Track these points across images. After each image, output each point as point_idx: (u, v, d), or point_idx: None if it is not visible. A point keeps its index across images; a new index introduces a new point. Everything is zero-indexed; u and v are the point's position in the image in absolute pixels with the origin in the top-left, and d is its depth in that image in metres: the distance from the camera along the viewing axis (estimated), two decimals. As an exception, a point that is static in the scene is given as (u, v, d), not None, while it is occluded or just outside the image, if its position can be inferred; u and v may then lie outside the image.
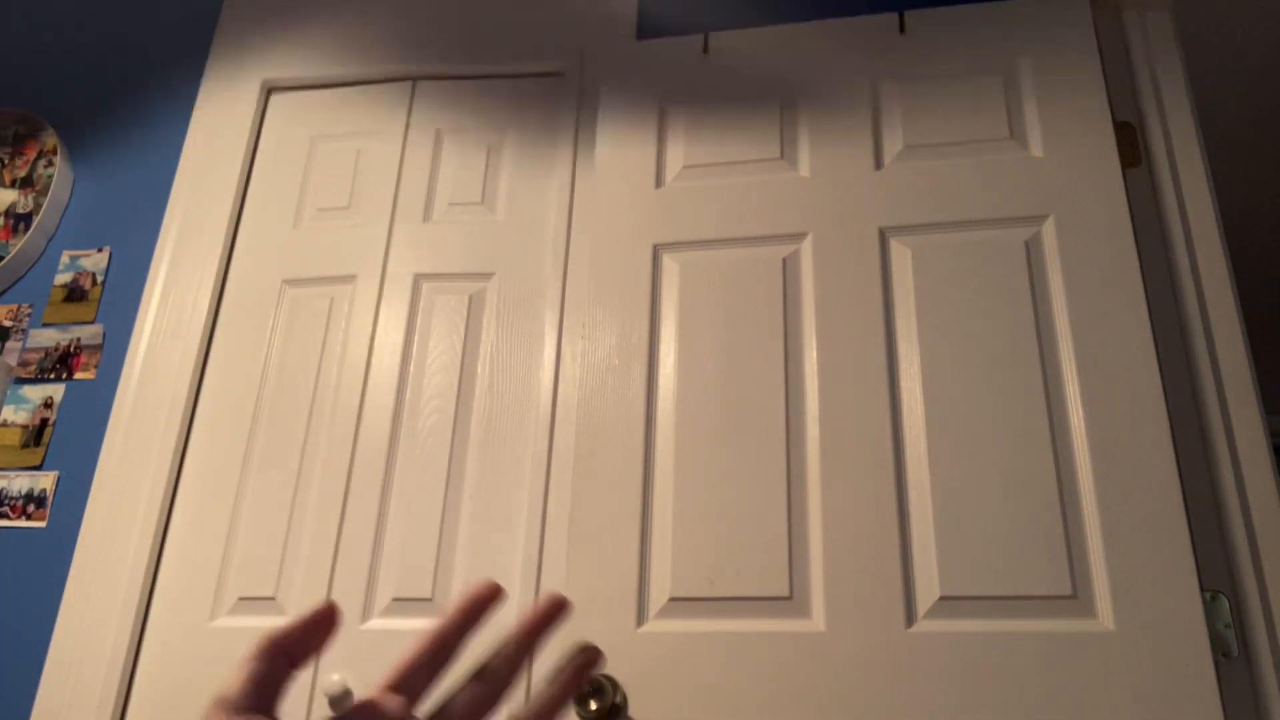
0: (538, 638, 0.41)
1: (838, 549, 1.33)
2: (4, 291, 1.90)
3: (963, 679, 1.24)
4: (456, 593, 1.49)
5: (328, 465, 1.59)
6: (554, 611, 0.42)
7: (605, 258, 1.57)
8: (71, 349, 1.79)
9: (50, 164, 1.96)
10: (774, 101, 1.65)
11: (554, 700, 0.41)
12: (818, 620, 1.31)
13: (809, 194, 1.56)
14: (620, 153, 1.65)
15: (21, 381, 1.79)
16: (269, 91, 1.96)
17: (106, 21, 2.15)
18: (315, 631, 0.37)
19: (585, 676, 0.42)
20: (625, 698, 1.30)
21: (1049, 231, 1.46)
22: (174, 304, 1.77)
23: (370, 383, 1.64)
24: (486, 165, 1.79)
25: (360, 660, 1.47)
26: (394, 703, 0.37)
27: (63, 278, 1.87)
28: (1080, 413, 1.34)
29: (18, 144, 2.01)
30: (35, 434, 1.73)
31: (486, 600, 0.41)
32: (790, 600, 1.32)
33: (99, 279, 1.85)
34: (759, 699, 1.27)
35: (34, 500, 1.68)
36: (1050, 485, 1.32)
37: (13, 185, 1.97)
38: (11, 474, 1.71)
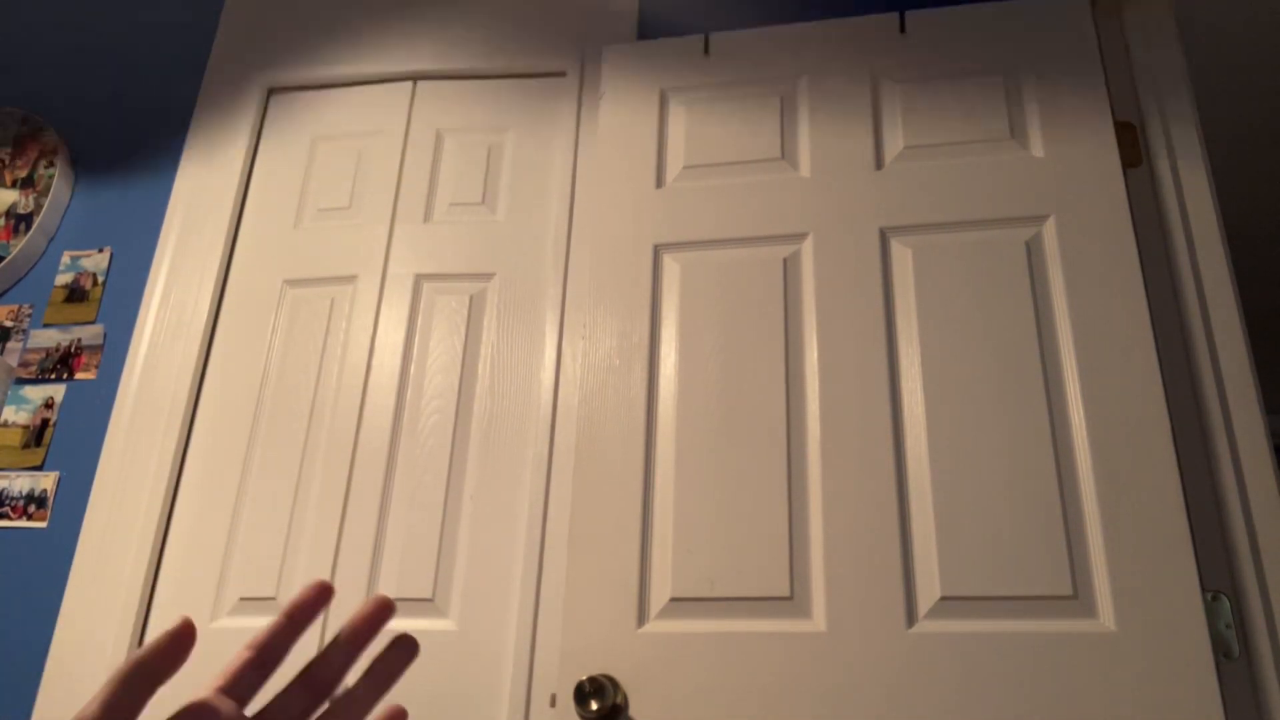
0: (364, 640, 0.41)
1: (838, 549, 1.33)
2: (5, 292, 1.90)
3: (963, 679, 1.24)
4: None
5: (328, 466, 1.59)
6: (380, 613, 0.42)
7: (606, 258, 1.57)
8: (72, 349, 1.79)
9: (51, 164, 1.96)
10: (774, 102, 1.65)
11: (371, 693, 0.41)
12: (818, 620, 1.31)
13: (809, 194, 1.56)
14: (621, 153, 1.65)
15: (22, 382, 1.79)
16: (270, 92, 1.96)
17: (108, 22, 2.15)
18: (173, 652, 0.38)
19: (400, 669, 0.43)
20: (625, 698, 1.30)
21: (1049, 231, 1.46)
22: (175, 304, 1.77)
23: (371, 383, 1.64)
24: (487, 165, 1.79)
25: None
26: (224, 704, 0.38)
27: (63, 278, 1.87)
28: (1080, 412, 1.34)
29: (19, 144, 2.01)
30: (36, 434, 1.73)
31: (315, 602, 0.41)
32: (790, 600, 1.32)
33: (100, 279, 1.85)
34: (759, 699, 1.27)
35: (35, 501, 1.68)
36: (1051, 485, 1.32)
37: (14, 185, 1.97)
38: (12, 474, 1.71)
